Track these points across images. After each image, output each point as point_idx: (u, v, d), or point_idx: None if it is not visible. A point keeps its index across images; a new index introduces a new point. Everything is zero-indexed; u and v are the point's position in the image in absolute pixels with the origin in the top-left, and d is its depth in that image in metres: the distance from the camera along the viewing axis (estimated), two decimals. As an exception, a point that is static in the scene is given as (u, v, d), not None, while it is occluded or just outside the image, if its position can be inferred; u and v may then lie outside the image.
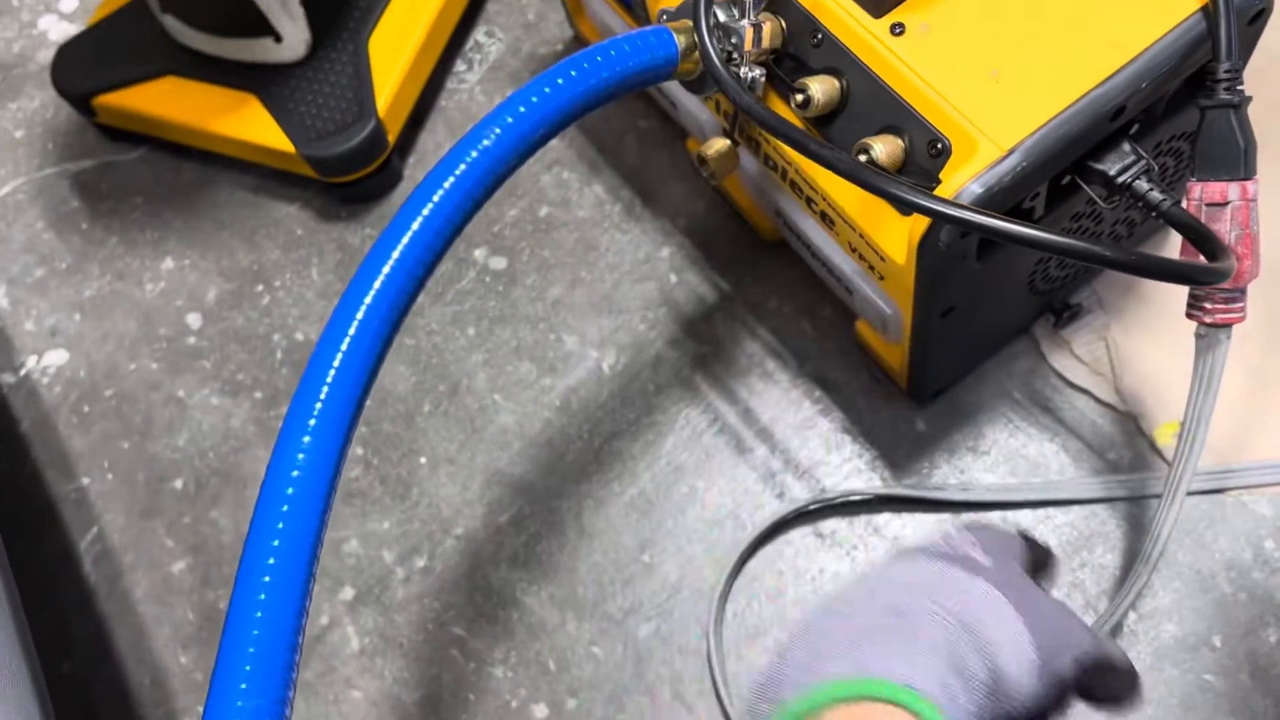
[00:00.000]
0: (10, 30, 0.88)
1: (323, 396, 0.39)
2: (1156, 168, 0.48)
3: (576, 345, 0.69)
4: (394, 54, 0.73)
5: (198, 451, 0.70)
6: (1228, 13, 0.45)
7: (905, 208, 0.43)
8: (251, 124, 0.73)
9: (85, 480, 0.70)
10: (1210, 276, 0.42)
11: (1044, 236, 0.40)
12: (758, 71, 0.50)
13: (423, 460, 0.67)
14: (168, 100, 0.75)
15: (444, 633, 0.62)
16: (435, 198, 0.42)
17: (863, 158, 0.47)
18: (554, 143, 0.74)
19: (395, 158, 0.75)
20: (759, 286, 0.68)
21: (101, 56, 0.78)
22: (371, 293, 0.40)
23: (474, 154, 0.43)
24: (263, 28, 0.72)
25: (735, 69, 0.50)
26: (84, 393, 0.72)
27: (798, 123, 0.52)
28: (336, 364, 0.40)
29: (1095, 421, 0.61)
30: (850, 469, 0.62)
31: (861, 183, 0.43)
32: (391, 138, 0.73)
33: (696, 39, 0.48)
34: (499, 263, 0.72)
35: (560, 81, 0.45)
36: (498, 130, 0.44)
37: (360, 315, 0.40)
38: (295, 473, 0.38)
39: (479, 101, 0.78)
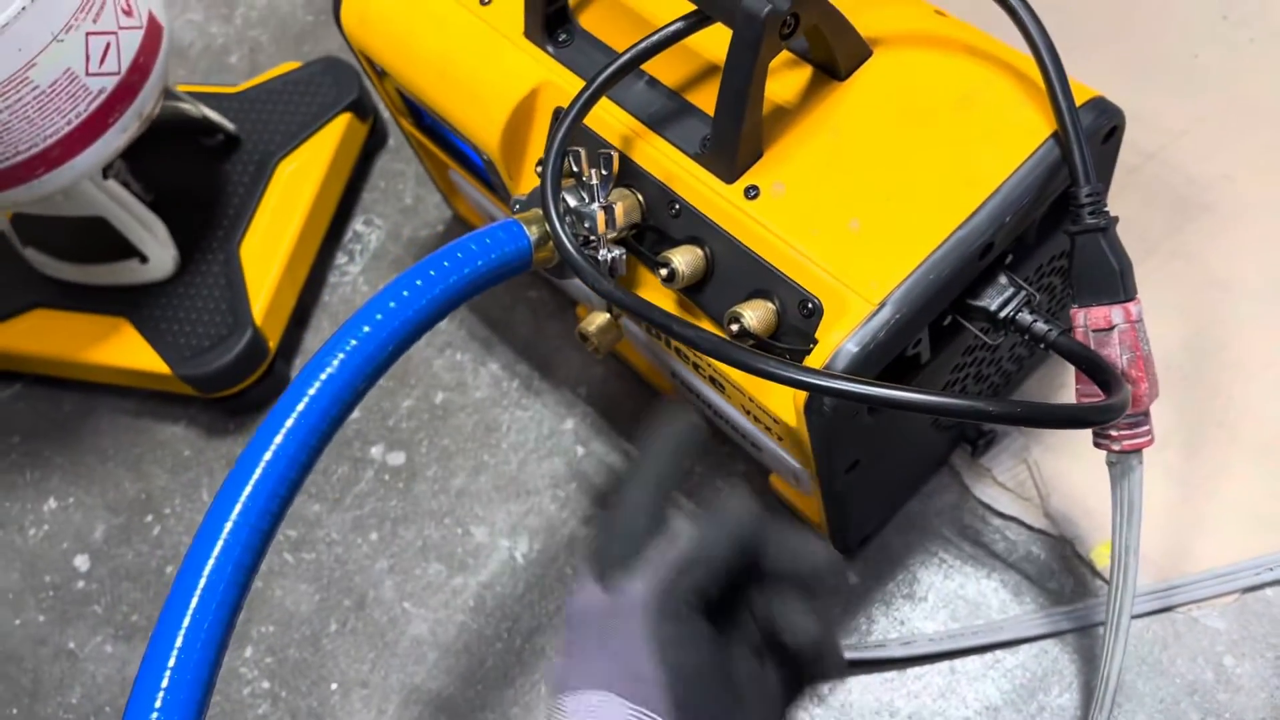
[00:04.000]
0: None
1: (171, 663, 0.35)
2: (1038, 296, 0.47)
3: (486, 536, 0.65)
4: (268, 258, 0.71)
5: (93, 708, 0.64)
6: (1078, 137, 0.44)
7: (780, 382, 0.40)
8: (124, 349, 0.70)
9: (-29, 757, 0.64)
10: (1106, 415, 0.40)
11: (924, 399, 0.38)
12: (617, 252, 0.48)
13: (334, 686, 0.62)
14: (36, 335, 0.72)
15: None
16: (278, 439, 0.38)
17: (734, 327, 0.45)
18: (444, 325, 0.73)
19: (279, 362, 0.72)
20: (668, 449, 0.65)
21: (-36, 298, 0.75)
22: (212, 558, 0.37)
23: (317, 384, 0.40)
24: (126, 250, 0.70)
25: (593, 252, 0.48)
26: (-34, 658, 0.67)
27: (668, 296, 0.50)
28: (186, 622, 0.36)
29: (1030, 550, 0.58)
30: (786, 635, 0.59)
31: (732, 362, 0.41)
32: (272, 344, 0.70)
33: (549, 228, 0.46)
34: (397, 458, 0.69)
35: (406, 294, 0.43)
36: (341, 355, 0.41)
37: (202, 584, 0.36)
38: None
39: (363, 293, 0.76)
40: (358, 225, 0.79)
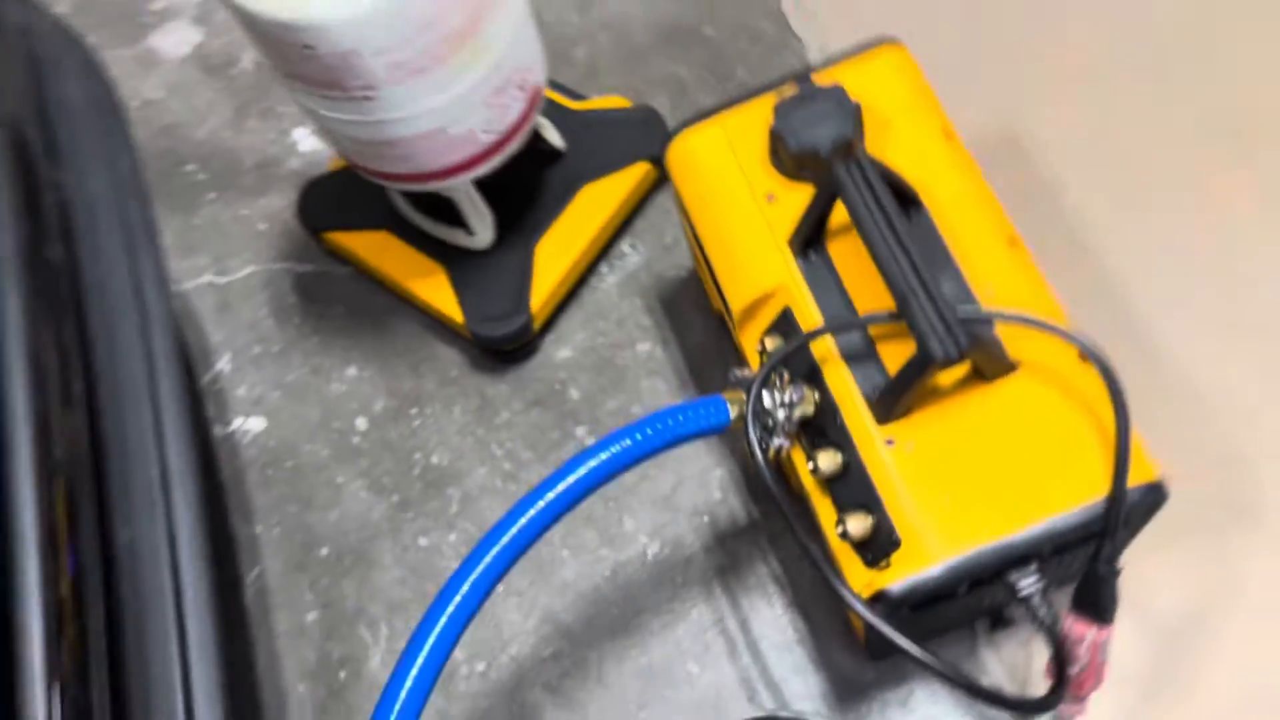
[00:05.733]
0: (271, 133, 1.11)
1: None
2: (1053, 591, 0.66)
3: (632, 529, 0.89)
4: (554, 263, 0.94)
5: (342, 531, 0.93)
6: (1119, 514, 0.62)
7: (848, 607, 0.62)
8: (437, 291, 0.94)
9: (259, 529, 0.94)
10: (1036, 711, 0.60)
11: (926, 662, 0.59)
12: (786, 441, 0.69)
13: (501, 588, 0.88)
14: (379, 251, 0.97)
15: (484, 726, 0.84)
16: (495, 551, 0.62)
17: (840, 528, 0.66)
18: (659, 351, 0.95)
19: (537, 338, 0.96)
20: (781, 522, 0.87)
21: (338, 201, 1.00)
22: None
23: (540, 505, 0.63)
24: (460, 221, 0.93)
25: (768, 437, 0.68)
26: (270, 459, 0.96)
27: (809, 480, 0.71)
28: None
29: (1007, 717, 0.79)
30: (806, 692, 0.82)
31: (821, 573, 0.62)
32: (537, 327, 0.94)
33: (744, 432, 0.67)
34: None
35: (627, 443, 0.65)
36: (570, 480, 0.64)
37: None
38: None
39: (613, 301, 0.98)
40: (624, 245, 1.00)
